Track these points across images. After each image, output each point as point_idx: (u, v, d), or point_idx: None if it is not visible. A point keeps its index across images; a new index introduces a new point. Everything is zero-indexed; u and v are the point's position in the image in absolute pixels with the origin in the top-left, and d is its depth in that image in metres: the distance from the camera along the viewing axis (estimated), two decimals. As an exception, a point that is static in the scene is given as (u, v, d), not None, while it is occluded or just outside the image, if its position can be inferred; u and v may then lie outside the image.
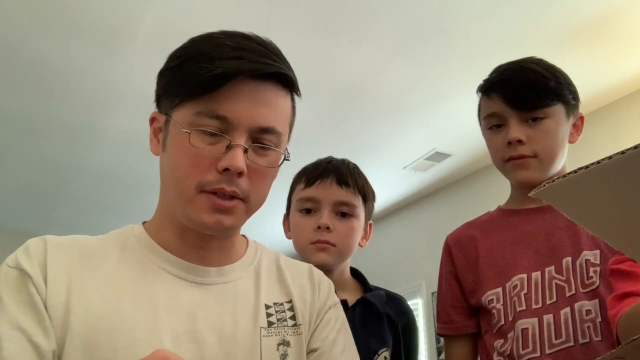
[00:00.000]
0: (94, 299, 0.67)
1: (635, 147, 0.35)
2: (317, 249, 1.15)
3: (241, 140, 0.69)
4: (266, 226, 4.79)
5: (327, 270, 1.03)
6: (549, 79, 1.05)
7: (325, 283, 0.87)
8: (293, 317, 0.78)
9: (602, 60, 2.80)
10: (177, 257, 0.75)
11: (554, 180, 0.39)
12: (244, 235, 0.86)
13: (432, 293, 4.17)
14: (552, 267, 1.02)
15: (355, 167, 1.24)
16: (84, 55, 2.70)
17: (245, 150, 0.70)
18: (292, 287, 0.81)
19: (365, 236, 1.25)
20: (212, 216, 0.70)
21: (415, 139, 3.63)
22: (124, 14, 2.42)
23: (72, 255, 0.71)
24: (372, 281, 1.27)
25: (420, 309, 4.36)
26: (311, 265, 0.88)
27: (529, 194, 0.44)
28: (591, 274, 0.99)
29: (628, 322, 0.77)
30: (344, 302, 1.04)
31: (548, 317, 0.99)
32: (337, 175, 1.18)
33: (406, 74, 2.92)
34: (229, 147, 0.69)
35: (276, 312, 0.77)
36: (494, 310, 1.05)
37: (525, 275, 1.04)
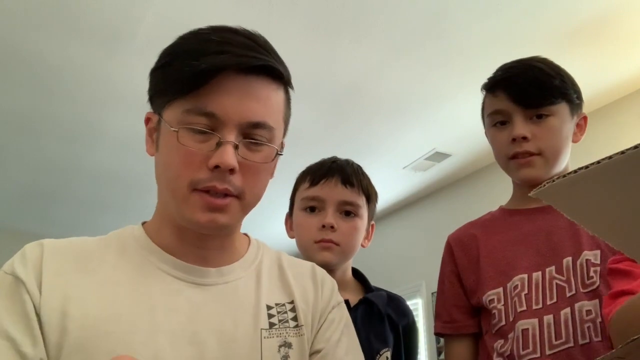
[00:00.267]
0: (91, 302, 0.67)
1: (635, 147, 0.35)
2: (321, 248, 1.16)
3: (231, 137, 0.68)
4: (267, 226, 4.79)
5: (330, 269, 1.04)
6: (554, 78, 1.06)
7: (329, 282, 0.85)
8: (295, 318, 0.77)
9: (602, 60, 2.80)
10: (176, 257, 0.74)
11: (554, 180, 0.39)
12: (246, 234, 0.86)
13: (432, 293, 4.17)
14: (553, 267, 1.02)
15: (359, 168, 1.25)
16: (84, 55, 2.70)
17: (236, 147, 0.69)
18: (294, 287, 0.80)
19: (367, 236, 1.26)
20: (205, 215, 0.70)
21: (415, 139, 3.63)
22: (124, 14, 2.42)
23: (69, 259, 0.70)
24: (372, 281, 1.28)
25: (420, 309, 4.35)
26: (314, 264, 0.88)
27: (528, 194, 0.44)
28: (591, 274, 0.99)
29: (620, 320, 0.77)
30: (346, 302, 1.04)
31: (548, 318, 0.99)
32: (342, 175, 1.19)
33: (406, 74, 2.92)
34: (218, 144, 0.68)
35: (278, 312, 0.76)
36: (495, 311, 1.05)
37: (525, 276, 1.04)
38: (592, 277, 0.98)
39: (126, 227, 0.79)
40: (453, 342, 1.13)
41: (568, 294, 0.99)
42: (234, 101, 0.69)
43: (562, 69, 1.10)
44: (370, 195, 1.23)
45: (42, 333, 0.64)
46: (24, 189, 4.24)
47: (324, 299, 0.82)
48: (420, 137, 3.61)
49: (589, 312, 0.97)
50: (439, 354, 4.09)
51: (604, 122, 3.10)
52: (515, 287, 1.04)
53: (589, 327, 0.96)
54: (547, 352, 0.97)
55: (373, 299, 1.18)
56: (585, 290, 0.98)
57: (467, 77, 2.90)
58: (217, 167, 0.67)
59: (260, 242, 0.86)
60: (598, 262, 0.99)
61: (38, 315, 0.65)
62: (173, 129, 0.69)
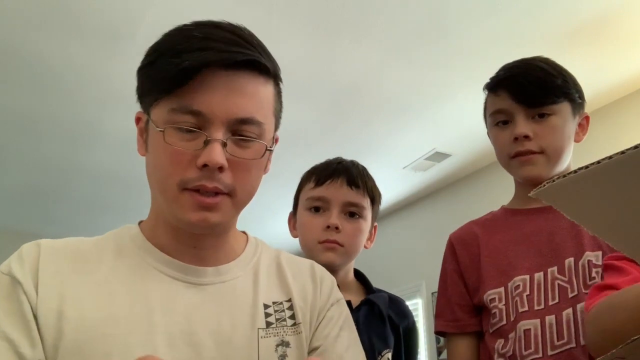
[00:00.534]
0: (87, 304, 0.67)
1: (635, 147, 0.35)
2: (325, 248, 1.16)
3: (218, 134, 0.67)
4: (269, 225, 4.79)
5: (333, 270, 1.04)
6: (556, 77, 1.06)
7: (328, 280, 0.85)
8: (292, 317, 0.76)
9: (602, 60, 2.80)
10: (173, 257, 0.74)
11: (554, 180, 0.39)
12: (244, 232, 0.85)
13: (432, 293, 4.17)
14: (555, 268, 1.02)
15: (365, 169, 1.25)
16: (84, 55, 2.70)
17: (225, 144, 0.67)
18: (292, 285, 0.79)
19: (370, 237, 1.26)
20: (197, 214, 0.69)
21: (415, 139, 3.63)
22: (124, 14, 2.42)
23: (66, 259, 0.70)
24: (373, 281, 1.28)
25: (420, 309, 4.35)
26: (313, 262, 0.87)
27: (528, 194, 0.44)
28: (593, 274, 0.98)
29: (596, 315, 0.77)
30: (347, 303, 1.04)
31: (550, 318, 0.99)
32: (348, 176, 1.19)
33: (406, 74, 2.92)
34: (206, 143, 0.67)
35: (275, 311, 0.75)
36: (495, 310, 1.05)
37: (527, 277, 1.03)
38: (594, 278, 0.98)
39: (123, 227, 0.78)
40: (456, 341, 1.13)
41: (570, 295, 0.99)
42: (219, 98, 0.67)
43: (565, 69, 1.10)
44: (374, 197, 1.24)
45: (40, 334, 0.64)
46: (24, 189, 4.24)
47: (323, 297, 0.81)
48: (420, 137, 3.61)
49: None
50: (439, 354, 4.09)
51: (604, 122, 3.10)
52: (517, 287, 1.04)
53: None
54: (549, 353, 0.97)
55: (375, 300, 1.19)
56: (587, 291, 0.98)
57: (467, 77, 2.90)
58: (205, 165, 0.66)
59: (259, 240, 0.86)
60: (600, 263, 0.99)
61: (35, 316, 0.64)
62: (159, 129, 0.68)
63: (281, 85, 0.77)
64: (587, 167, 0.36)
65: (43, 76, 2.86)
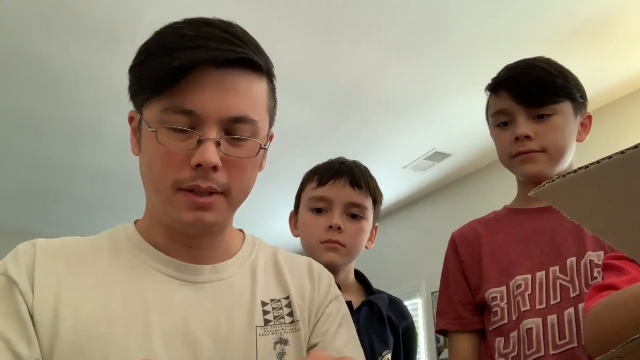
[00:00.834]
0: (83, 304, 0.66)
1: (635, 147, 0.35)
2: (327, 248, 1.16)
3: (212, 134, 0.66)
4: (269, 225, 4.80)
5: (334, 270, 1.04)
6: (557, 77, 1.06)
7: (326, 277, 0.84)
8: (291, 314, 0.76)
9: (602, 60, 2.80)
10: (169, 256, 0.73)
11: (554, 180, 0.39)
12: (241, 230, 0.85)
13: (432, 293, 4.17)
14: (557, 268, 1.02)
15: (367, 170, 1.25)
16: (84, 55, 2.70)
17: (219, 144, 0.67)
18: (290, 283, 0.79)
19: (371, 238, 1.26)
20: (192, 214, 0.68)
21: (415, 139, 3.63)
22: (124, 14, 2.42)
23: (62, 259, 0.70)
24: (372, 280, 1.28)
25: (420, 309, 4.35)
26: (311, 260, 0.87)
27: (528, 194, 0.44)
28: (595, 274, 0.98)
29: (596, 316, 0.77)
30: (348, 304, 1.04)
31: (552, 318, 0.99)
32: (351, 177, 1.19)
33: (406, 74, 2.92)
34: (199, 142, 0.66)
35: (273, 309, 0.75)
36: (497, 309, 1.05)
37: (529, 276, 1.03)
38: (597, 278, 0.98)
39: (118, 226, 0.78)
40: (458, 339, 1.13)
41: (572, 295, 0.99)
42: (212, 97, 0.66)
43: (566, 69, 1.10)
44: (377, 197, 1.24)
45: (36, 334, 0.64)
46: (24, 189, 4.24)
47: (321, 295, 0.81)
48: (420, 137, 3.61)
49: None
50: (439, 354, 4.09)
51: (605, 122, 3.10)
52: (519, 286, 1.04)
53: None
54: (552, 352, 0.97)
55: (376, 301, 1.19)
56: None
57: (467, 77, 2.90)
58: (199, 165, 0.66)
59: (256, 238, 0.85)
60: (601, 263, 0.99)
61: (32, 315, 0.64)
62: (151, 129, 0.67)
63: (275, 82, 0.76)
64: (587, 167, 0.36)
65: (43, 76, 2.86)
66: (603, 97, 3.14)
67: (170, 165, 0.67)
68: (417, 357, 1.29)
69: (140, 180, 0.73)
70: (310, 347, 0.76)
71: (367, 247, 1.24)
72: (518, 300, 1.03)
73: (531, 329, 1.00)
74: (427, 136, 3.60)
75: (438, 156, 3.88)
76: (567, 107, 1.07)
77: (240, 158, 0.69)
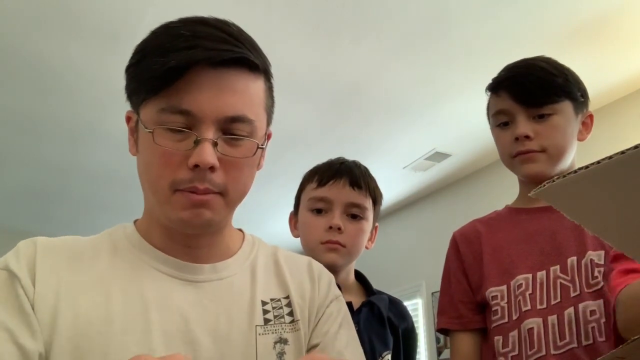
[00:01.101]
0: (83, 302, 0.66)
1: (635, 147, 0.35)
2: (327, 249, 1.16)
3: (208, 134, 0.66)
4: (269, 226, 4.80)
5: (334, 271, 1.03)
6: (557, 76, 1.06)
7: (326, 277, 0.84)
8: (290, 314, 0.76)
9: (602, 60, 2.80)
10: (169, 255, 0.73)
11: (553, 180, 0.39)
12: (240, 230, 0.84)
13: (432, 293, 4.17)
14: (557, 267, 1.02)
15: (367, 170, 1.25)
16: (84, 55, 2.70)
17: (216, 144, 0.66)
18: (290, 282, 0.79)
19: (371, 238, 1.26)
20: (189, 212, 0.68)
21: (415, 139, 3.63)
22: (124, 14, 2.42)
23: (62, 257, 0.70)
24: (372, 281, 1.28)
25: (420, 309, 4.35)
26: (311, 259, 0.87)
27: (528, 194, 0.44)
28: (596, 274, 0.98)
29: (629, 295, 0.77)
30: (348, 305, 1.04)
31: (552, 318, 0.99)
32: (350, 177, 1.19)
33: (406, 74, 2.92)
34: (196, 142, 0.66)
35: (273, 308, 0.75)
36: (497, 307, 1.05)
37: (530, 275, 1.04)
38: (597, 277, 0.98)
39: (118, 226, 0.78)
40: (459, 338, 1.13)
41: (572, 294, 0.99)
42: (209, 96, 0.66)
43: (567, 68, 1.10)
44: (376, 197, 1.24)
45: None
46: (24, 189, 4.24)
47: (321, 294, 0.81)
48: (420, 137, 3.61)
49: (593, 312, 0.97)
50: (439, 354, 4.09)
51: (604, 122, 3.10)
52: (520, 285, 1.04)
53: (592, 328, 0.96)
54: (552, 352, 0.97)
55: (376, 302, 1.19)
56: (590, 291, 0.98)
57: (467, 77, 2.90)
58: (196, 166, 0.65)
59: (256, 237, 0.85)
60: (602, 262, 0.99)
61: (33, 310, 0.64)
62: (148, 129, 0.67)
63: (272, 81, 0.76)
64: (587, 167, 0.36)
65: (43, 76, 2.86)
66: (603, 97, 3.14)
67: (167, 166, 0.67)
68: (417, 357, 1.28)
69: (139, 180, 0.73)
70: (311, 348, 0.76)
71: (367, 247, 1.24)
72: (519, 300, 1.03)
73: (532, 328, 1.00)
74: (427, 136, 3.60)
75: (438, 156, 3.88)
76: (567, 106, 1.07)
77: (237, 158, 0.69)
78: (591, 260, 1.00)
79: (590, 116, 1.14)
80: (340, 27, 2.54)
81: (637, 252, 0.49)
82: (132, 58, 0.71)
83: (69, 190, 4.28)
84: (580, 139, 1.11)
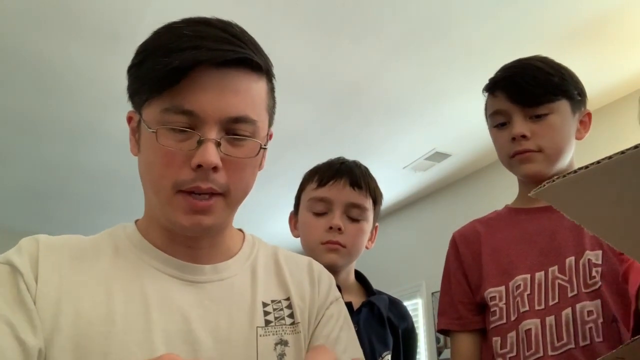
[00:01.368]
0: (85, 301, 0.66)
1: (635, 147, 0.35)
2: (327, 249, 1.16)
3: (212, 134, 0.66)
4: (269, 226, 4.79)
5: (334, 271, 1.03)
6: (553, 75, 1.06)
7: (326, 278, 0.84)
8: (291, 315, 0.76)
9: (602, 60, 2.80)
10: (170, 255, 0.73)
11: (553, 180, 0.39)
12: (240, 230, 0.84)
13: (432, 293, 4.17)
14: (556, 267, 1.02)
15: (367, 170, 1.25)
16: (84, 55, 2.70)
17: (219, 144, 0.67)
18: (290, 283, 0.79)
19: (371, 238, 1.26)
20: (189, 218, 0.68)
21: (415, 139, 3.63)
22: (124, 14, 2.42)
23: (64, 256, 0.70)
24: (372, 281, 1.28)
25: (420, 309, 4.35)
26: (311, 259, 0.86)
27: (528, 194, 0.44)
28: (593, 274, 0.98)
29: None
30: (348, 305, 1.04)
31: (550, 319, 0.99)
32: (351, 177, 1.19)
33: (406, 74, 2.92)
34: (199, 142, 0.66)
35: (274, 310, 0.75)
36: (495, 308, 1.05)
37: (528, 276, 1.03)
38: (594, 277, 0.98)
39: (118, 225, 0.78)
40: (459, 338, 1.13)
41: (570, 294, 0.99)
42: (212, 97, 0.66)
43: (563, 67, 1.10)
44: (377, 197, 1.23)
45: None
46: (24, 189, 4.24)
47: (321, 296, 0.81)
48: (420, 137, 3.61)
49: (590, 312, 0.97)
50: (439, 354, 4.09)
51: (604, 122, 3.10)
52: (518, 286, 1.04)
53: (590, 328, 0.96)
54: (550, 353, 0.97)
55: (376, 302, 1.19)
56: (587, 291, 0.98)
57: (467, 77, 2.90)
58: (199, 166, 0.66)
59: (256, 237, 0.85)
60: (600, 262, 0.98)
61: (35, 306, 0.64)
62: (151, 129, 0.67)
63: (274, 82, 0.76)
64: (587, 167, 0.36)
65: (43, 76, 2.86)
66: (603, 97, 3.14)
67: (170, 166, 0.67)
68: (417, 357, 1.28)
69: (140, 180, 0.73)
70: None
71: (367, 247, 1.24)
72: (517, 301, 1.03)
73: (530, 329, 1.00)
74: (427, 136, 3.60)
75: (438, 156, 3.88)
76: (563, 105, 1.06)
77: (240, 158, 0.69)
78: (589, 260, 1.00)
79: (589, 115, 1.13)
80: (340, 27, 2.54)
81: (637, 252, 0.49)
82: (134, 58, 0.71)
83: (69, 190, 4.28)
84: (578, 138, 1.11)
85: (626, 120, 3.10)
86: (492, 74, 1.14)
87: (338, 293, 0.85)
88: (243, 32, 0.71)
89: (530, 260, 1.05)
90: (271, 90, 0.76)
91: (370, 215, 1.21)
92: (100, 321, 0.65)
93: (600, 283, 0.97)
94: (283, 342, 0.73)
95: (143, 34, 0.72)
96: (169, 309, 0.69)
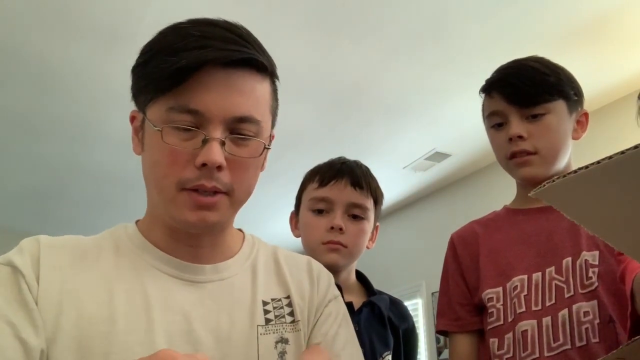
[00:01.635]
0: (86, 301, 0.66)
1: (635, 147, 0.35)
2: (328, 249, 1.16)
3: (216, 133, 0.67)
4: (269, 226, 4.79)
5: (335, 271, 1.03)
6: (549, 75, 1.06)
7: (325, 276, 0.85)
8: (291, 314, 0.76)
9: (602, 60, 2.80)
10: (170, 255, 0.73)
11: (553, 180, 0.39)
12: (240, 230, 0.85)
13: (432, 293, 4.17)
14: (553, 268, 1.02)
15: (368, 170, 1.25)
16: (84, 55, 2.70)
17: (223, 143, 0.67)
18: (290, 282, 0.79)
19: (372, 238, 1.26)
20: (195, 214, 0.69)
21: (415, 139, 3.63)
22: (124, 14, 2.42)
23: (65, 256, 0.70)
24: (372, 281, 1.28)
25: (420, 309, 4.35)
26: (310, 258, 0.87)
27: (528, 194, 0.44)
28: (590, 274, 0.98)
29: None
30: (349, 305, 1.04)
31: (547, 320, 0.99)
32: (352, 177, 1.19)
33: (406, 74, 2.92)
34: (204, 141, 0.66)
35: (274, 308, 0.75)
36: (493, 309, 1.05)
37: (525, 277, 1.03)
38: (591, 278, 0.98)
39: (119, 225, 0.78)
40: (457, 339, 1.13)
41: (566, 295, 0.99)
42: (217, 96, 0.67)
43: (560, 67, 1.10)
44: (377, 197, 1.23)
45: None
46: (24, 189, 4.24)
47: (320, 294, 0.81)
48: (420, 137, 3.61)
49: (586, 313, 0.97)
50: (439, 354, 4.09)
51: (604, 122, 3.10)
52: (515, 287, 1.04)
53: (586, 329, 0.96)
54: (546, 354, 0.97)
55: (377, 302, 1.19)
56: (584, 291, 0.98)
57: (467, 77, 2.90)
58: (204, 165, 0.66)
59: (255, 237, 0.86)
60: (597, 263, 0.98)
61: (36, 306, 0.64)
62: (156, 128, 0.67)
63: (277, 83, 0.77)
64: (587, 167, 0.36)
65: (43, 76, 2.86)
66: (603, 97, 3.14)
67: (174, 164, 0.68)
68: (418, 357, 1.28)
69: (140, 179, 0.73)
70: None
71: (367, 247, 1.24)
72: (514, 302, 1.03)
73: (526, 330, 1.00)
74: (427, 136, 3.60)
75: (438, 156, 3.88)
76: (560, 105, 1.06)
77: (244, 157, 0.70)
78: (585, 260, 0.99)
79: (585, 115, 1.13)
80: (340, 27, 2.54)
81: (637, 252, 0.49)
82: (139, 57, 0.72)
83: (69, 190, 4.28)
84: (575, 138, 1.10)
85: (626, 120, 3.10)
86: (489, 76, 1.14)
87: (337, 291, 0.85)
88: (249, 34, 0.72)
89: (527, 261, 1.05)
90: (274, 91, 0.76)
91: (371, 215, 1.21)
92: (101, 321, 0.65)
93: (596, 284, 0.97)
94: (284, 340, 0.73)
95: (143, 34, 0.72)
96: (170, 308, 0.69)
